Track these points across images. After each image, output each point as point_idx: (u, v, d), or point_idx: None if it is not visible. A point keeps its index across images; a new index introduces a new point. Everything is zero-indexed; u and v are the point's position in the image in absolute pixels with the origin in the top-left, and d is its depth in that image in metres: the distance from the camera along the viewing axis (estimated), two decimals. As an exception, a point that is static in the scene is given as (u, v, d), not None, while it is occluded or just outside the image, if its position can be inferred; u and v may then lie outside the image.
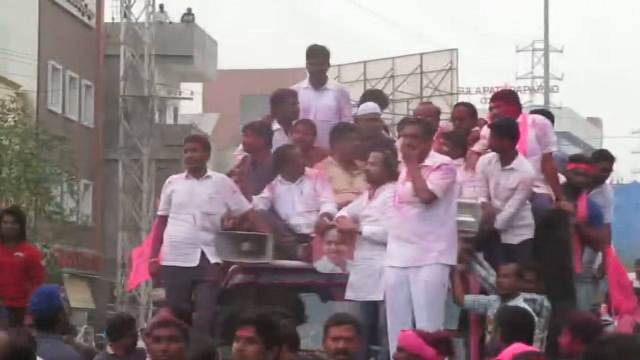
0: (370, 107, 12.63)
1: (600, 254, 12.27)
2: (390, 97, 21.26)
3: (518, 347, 7.65)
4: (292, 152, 11.63)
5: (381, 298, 10.19)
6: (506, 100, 11.81)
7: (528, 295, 10.29)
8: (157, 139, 39.42)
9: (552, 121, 12.74)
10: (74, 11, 39.88)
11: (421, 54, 31.53)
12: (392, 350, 8.76)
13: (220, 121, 48.14)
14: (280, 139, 12.11)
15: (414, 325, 9.48)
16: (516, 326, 7.92)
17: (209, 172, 11.27)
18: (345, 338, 6.64)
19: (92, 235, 39.91)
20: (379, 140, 12.22)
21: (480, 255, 10.71)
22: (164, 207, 11.19)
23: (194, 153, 11.21)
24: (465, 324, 10.39)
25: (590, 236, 11.70)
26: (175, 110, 49.16)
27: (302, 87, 12.74)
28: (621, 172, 76.39)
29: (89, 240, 38.95)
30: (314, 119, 12.38)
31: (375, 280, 10.23)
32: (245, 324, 6.48)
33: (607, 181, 13.56)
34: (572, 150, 39.64)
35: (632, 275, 21.22)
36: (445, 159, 10.26)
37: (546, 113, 13.72)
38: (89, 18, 41.00)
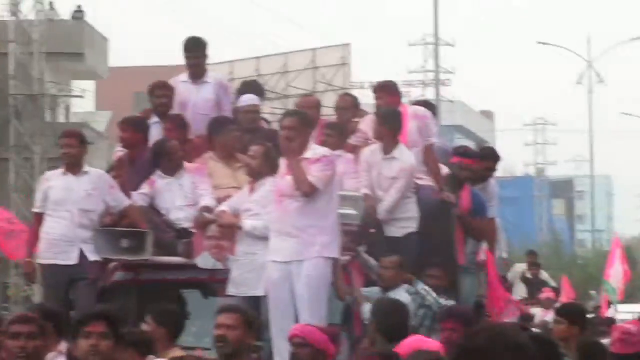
0: (249, 99, 12.47)
1: (483, 244, 12.18)
2: (284, 93, 21.45)
3: (416, 341, 7.57)
4: (171, 146, 11.34)
5: (263, 293, 10.03)
6: (388, 91, 12.06)
7: (411, 288, 10.24)
8: (49, 138, 37.25)
9: (434, 113, 13.41)
10: None
11: (314, 50, 31.77)
12: (277, 345, 8.96)
13: (113, 119, 46.12)
14: (157, 133, 11.79)
15: (296, 320, 9.47)
16: (389, 318, 7.82)
17: (87, 168, 11.02)
18: (226, 326, 6.54)
19: (-17, 236, 41.20)
20: (260, 134, 12.04)
21: (363, 249, 10.96)
22: (41, 204, 10.94)
23: (70, 149, 10.97)
24: (348, 318, 10.22)
25: (474, 227, 11.76)
26: (68, 108, 47.89)
27: (181, 81, 12.55)
28: (513, 165, 79.20)
29: (-19, 241, 40.01)
30: (193, 112, 12.13)
31: (258, 276, 10.00)
32: (97, 319, 6.30)
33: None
34: (465, 143, 40.68)
35: (522, 266, 21.81)
36: (326, 151, 10.21)
37: (428, 104, 13.96)
38: None
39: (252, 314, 7.43)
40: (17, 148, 38.95)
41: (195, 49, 12.56)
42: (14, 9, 39.87)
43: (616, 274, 23.44)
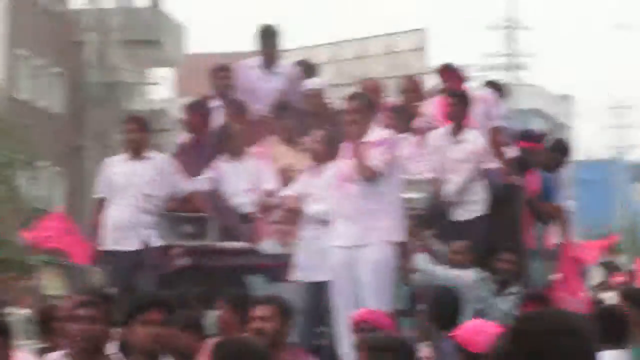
0: (312, 82, 12.70)
1: (551, 229, 12.54)
2: (360, 78, 21.83)
3: (478, 325, 7.24)
4: (234, 129, 11.64)
5: (327, 278, 10.08)
6: (453, 73, 12.29)
7: (482, 272, 10.39)
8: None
9: (502, 93, 13.05)
10: None
11: (390, 34, 31.85)
12: (341, 330, 8.95)
13: (192, 105, 51.53)
14: (218, 116, 12.13)
15: (358, 305, 9.50)
16: (443, 307, 7.69)
17: (151, 154, 11.21)
18: (261, 318, 6.47)
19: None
20: (323, 117, 12.11)
21: (430, 233, 10.99)
22: (103, 189, 11.12)
23: (133, 134, 11.23)
24: (414, 303, 10.18)
25: (542, 211, 11.94)
26: (145, 95, 48.45)
27: (250, 66, 12.88)
28: (593, 148, 77.41)
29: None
30: (262, 100, 12.51)
31: (322, 260, 10.06)
32: (156, 306, 6.24)
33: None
34: (544, 127, 40.56)
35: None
36: (389, 133, 10.25)
37: (495, 85, 13.53)
38: (58, 4, 41.10)
39: (288, 304, 7.14)
40: (94, 135, 39.32)
41: (267, 37, 12.89)
42: (92, -3, 45.90)
43: None
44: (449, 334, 7.43)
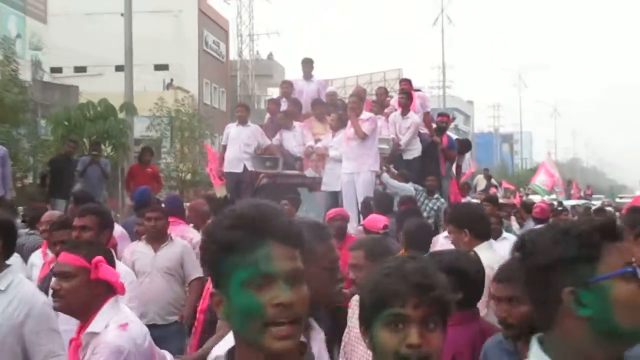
0: (330, 89, 15.79)
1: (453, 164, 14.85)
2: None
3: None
4: (291, 114, 14.43)
5: (339, 189, 12.34)
6: (407, 82, 15.37)
7: (418, 186, 12.53)
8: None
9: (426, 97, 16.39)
10: (215, 54, 52.66)
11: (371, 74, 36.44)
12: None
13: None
14: (284, 107, 14.99)
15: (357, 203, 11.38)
16: (417, 235, 7.03)
17: (250, 124, 13.89)
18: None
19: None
20: (336, 107, 14.61)
21: (391, 166, 12.89)
22: (225, 140, 13.92)
23: (241, 112, 14.13)
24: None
25: (448, 155, 14.58)
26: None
27: (299, 79, 15.81)
28: (483, 127, 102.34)
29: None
30: (305, 98, 15.20)
31: (337, 180, 12.30)
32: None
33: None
34: None
35: (481, 176, 23.67)
36: (372, 115, 12.54)
37: (419, 91, 16.66)
38: (222, 57, 54.03)
39: (379, 242, 5.14)
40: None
41: (307, 63, 15.94)
42: (242, 52, 55.39)
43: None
44: (362, 223, 9.00)
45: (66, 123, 20.25)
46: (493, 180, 23.89)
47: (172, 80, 45.62)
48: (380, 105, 14.98)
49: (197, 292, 6.91)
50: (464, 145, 16.37)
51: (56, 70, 41.30)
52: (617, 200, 35.60)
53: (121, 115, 20.69)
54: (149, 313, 7.21)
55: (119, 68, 27.95)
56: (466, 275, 4.19)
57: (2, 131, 21.35)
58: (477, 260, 4.54)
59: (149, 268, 7.48)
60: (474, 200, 14.32)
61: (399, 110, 13.79)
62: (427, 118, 14.60)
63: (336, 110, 13.96)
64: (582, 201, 31.44)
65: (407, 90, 14.18)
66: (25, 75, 28.64)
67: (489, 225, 6.24)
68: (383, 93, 15.76)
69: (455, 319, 3.37)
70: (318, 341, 2.92)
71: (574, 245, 2.12)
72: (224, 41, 53.95)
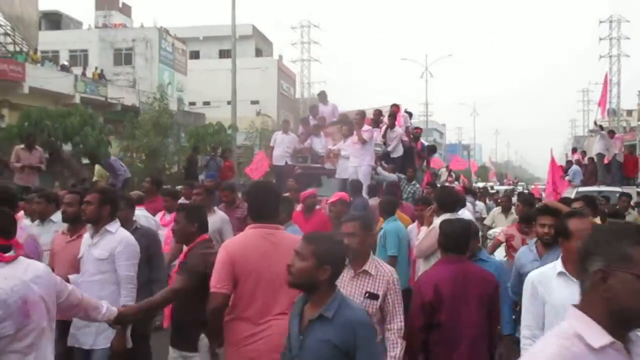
0: (340, 113, 17.37)
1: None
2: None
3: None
4: (317, 127, 15.92)
5: (347, 177, 13.43)
6: (397, 106, 16.91)
7: (401, 175, 13.65)
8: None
9: (411, 115, 18.25)
10: (287, 94, 63.93)
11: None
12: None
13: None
14: (313, 123, 16.53)
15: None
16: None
17: (290, 133, 15.65)
18: (348, 234, 4.89)
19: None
20: (345, 123, 15.75)
21: (383, 162, 14.18)
22: (273, 143, 16.11)
23: (286, 124, 15.89)
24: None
25: (422, 156, 16.97)
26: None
27: (318, 104, 17.48)
28: (452, 138, 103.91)
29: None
30: (326, 117, 16.71)
31: (346, 170, 13.76)
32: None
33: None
34: None
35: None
36: (370, 128, 14.03)
37: (410, 113, 19.42)
38: (292, 95, 61.96)
39: (369, 217, 5.68)
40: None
41: (322, 94, 18.27)
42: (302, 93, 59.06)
43: None
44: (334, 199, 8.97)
45: (195, 136, 27.53)
46: (452, 173, 27.03)
47: (260, 110, 57.18)
48: (376, 121, 16.24)
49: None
50: (431, 149, 18.53)
51: (192, 104, 54.21)
52: (531, 187, 44.78)
53: (229, 132, 27.83)
54: None
55: (228, 102, 35.60)
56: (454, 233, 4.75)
57: (159, 140, 28.63)
58: (467, 224, 4.92)
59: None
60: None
61: (387, 124, 15.16)
62: (407, 131, 16.32)
63: (344, 124, 15.13)
64: (510, 187, 39.70)
65: (393, 113, 15.70)
66: (173, 107, 37.44)
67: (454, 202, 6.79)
68: (378, 114, 17.03)
69: (444, 259, 4.74)
70: None
71: None
72: (292, 86, 65.93)
